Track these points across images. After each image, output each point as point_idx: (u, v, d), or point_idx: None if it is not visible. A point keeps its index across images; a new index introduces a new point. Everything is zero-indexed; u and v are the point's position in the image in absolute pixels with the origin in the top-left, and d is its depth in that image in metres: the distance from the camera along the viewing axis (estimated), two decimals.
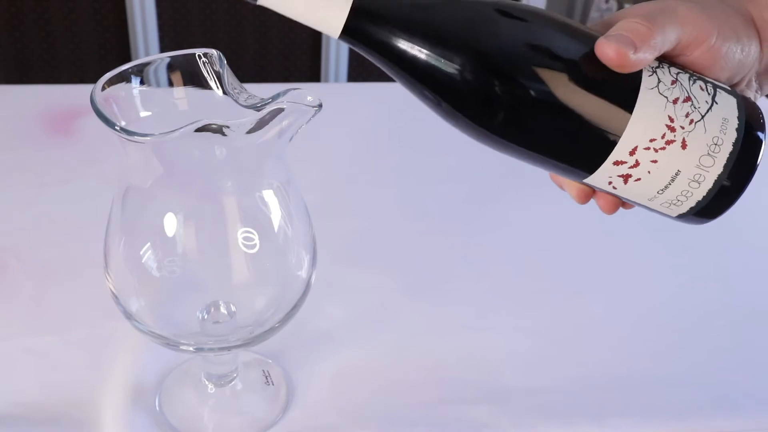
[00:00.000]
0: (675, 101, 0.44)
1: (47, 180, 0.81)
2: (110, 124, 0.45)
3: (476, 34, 0.43)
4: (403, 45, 0.43)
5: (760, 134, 0.45)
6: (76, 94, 0.89)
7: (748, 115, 0.45)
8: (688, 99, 0.44)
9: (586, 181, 0.46)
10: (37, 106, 0.90)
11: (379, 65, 0.44)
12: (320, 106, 0.47)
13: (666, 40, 0.44)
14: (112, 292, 0.53)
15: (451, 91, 0.43)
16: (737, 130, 0.44)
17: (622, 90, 0.44)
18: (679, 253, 0.76)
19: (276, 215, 0.52)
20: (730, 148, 0.44)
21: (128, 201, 0.51)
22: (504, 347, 0.65)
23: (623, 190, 0.46)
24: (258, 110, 0.46)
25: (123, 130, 0.45)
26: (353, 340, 0.65)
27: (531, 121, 0.44)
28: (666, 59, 0.46)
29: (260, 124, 0.46)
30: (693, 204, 0.46)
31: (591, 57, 0.43)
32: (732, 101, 0.45)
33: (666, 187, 0.45)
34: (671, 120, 0.43)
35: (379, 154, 0.87)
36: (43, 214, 0.76)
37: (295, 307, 0.54)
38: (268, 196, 0.52)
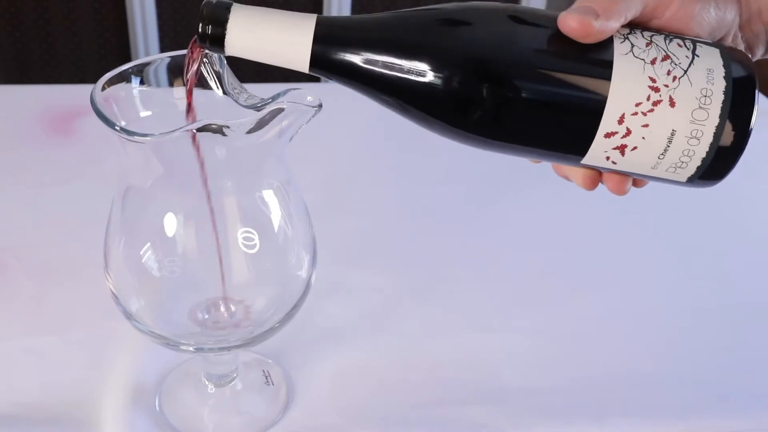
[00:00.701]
0: (653, 61, 0.43)
1: (47, 180, 0.81)
2: (110, 124, 0.45)
3: (440, 41, 0.43)
4: (370, 66, 0.43)
5: (750, 79, 0.44)
6: (76, 94, 0.90)
7: (735, 62, 0.44)
8: (666, 57, 0.43)
9: (584, 162, 0.46)
10: (37, 106, 0.90)
11: (354, 89, 0.45)
12: (320, 106, 0.47)
13: (630, 6, 0.44)
14: (112, 292, 0.53)
15: (423, 98, 0.43)
16: (725, 78, 0.43)
17: (596, 61, 0.43)
18: (678, 253, 0.76)
19: (276, 215, 0.52)
20: (721, 97, 0.43)
21: (128, 201, 0.51)
22: (503, 347, 0.65)
23: (624, 163, 0.45)
24: (258, 110, 0.46)
25: (123, 130, 0.45)
26: (353, 340, 0.65)
27: (512, 115, 0.43)
28: (639, 26, 0.45)
29: (260, 124, 0.46)
30: (698, 163, 0.45)
31: (559, 36, 0.43)
32: (714, 51, 0.45)
33: (665, 150, 0.44)
34: (653, 80, 0.43)
35: (378, 154, 0.87)
36: (43, 214, 0.76)
37: (295, 307, 0.54)
38: (268, 196, 0.52)
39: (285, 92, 0.46)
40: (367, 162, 0.85)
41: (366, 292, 0.70)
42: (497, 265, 0.74)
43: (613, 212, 0.81)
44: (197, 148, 0.47)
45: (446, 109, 0.44)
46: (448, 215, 0.79)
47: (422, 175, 0.84)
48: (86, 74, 1.58)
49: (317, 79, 1.57)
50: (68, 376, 0.61)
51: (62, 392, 0.60)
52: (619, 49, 0.43)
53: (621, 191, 0.48)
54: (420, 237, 0.76)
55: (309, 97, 0.46)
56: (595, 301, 0.70)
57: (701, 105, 0.43)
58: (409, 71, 0.43)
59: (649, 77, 0.43)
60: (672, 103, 0.43)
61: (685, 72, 0.43)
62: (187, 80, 0.47)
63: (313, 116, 0.47)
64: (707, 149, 0.44)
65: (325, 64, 0.43)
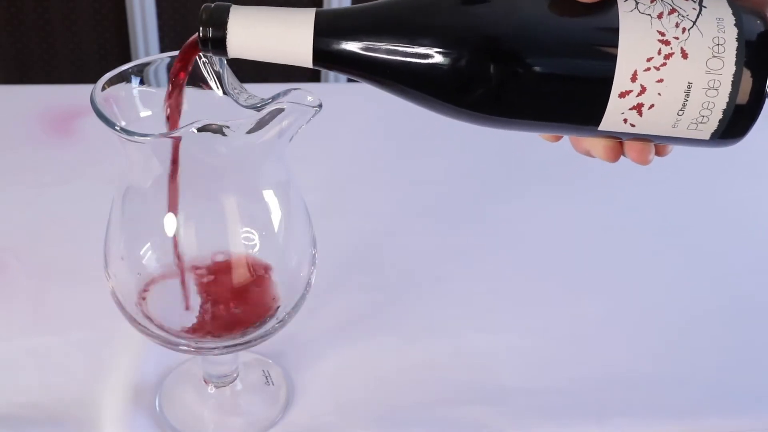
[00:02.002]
0: (660, 16, 0.43)
1: (47, 180, 0.81)
2: (110, 124, 0.45)
3: (442, 20, 0.43)
4: (374, 53, 0.43)
5: (763, 25, 0.44)
6: (76, 94, 0.89)
7: (744, 10, 0.44)
8: (673, 11, 0.43)
9: (602, 128, 0.45)
10: (37, 106, 0.90)
11: (361, 79, 0.44)
12: (320, 106, 0.47)
13: None
14: (112, 292, 0.53)
15: (431, 79, 0.43)
16: (736, 25, 0.43)
17: (601, 21, 0.43)
18: (678, 253, 0.76)
19: (276, 215, 0.52)
20: (734, 44, 0.43)
21: (128, 201, 0.51)
22: (503, 347, 0.65)
23: (642, 125, 0.44)
24: (258, 110, 0.46)
25: (123, 130, 0.45)
26: (353, 340, 0.65)
27: (525, 86, 0.43)
28: None
29: (260, 124, 0.46)
30: (720, 115, 0.44)
31: (560, 2, 0.43)
32: (721, 2, 0.44)
33: (684, 104, 0.43)
34: (662, 34, 0.43)
35: (379, 154, 0.87)
36: (43, 214, 0.76)
37: (295, 307, 0.54)
38: (268, 196, 0.52)
39: (285, 92, 0.46)
40: (368, 162, 0.85)
41: (366, 292, 0.70)
42: (498, 265, 0.74)
43: (613, 212, 0.81)
44: (175, 151, 0.47)
45: (458, 90, 0.43)
46: (449, 215, 0.79)
47: (423, 174, 0.84)
48: (86, 74, 1.58)
49: (317, 79, 1.57)
50: (68, 376, 0.61)
51: (62, 392, 0.60)
52: (623, 7, 0.43)
53: (644, 160, 0.47)
54: (420, 237, 0.76)
55: (309, 97, 0.46)
56: (595, 301, 0.70)
57: (715, 54, 0.43)
58: (414, 54, 0.43)
59: (658, 31, 0.43)
60: (684, 55, 0.43)
61: (694, 23, 0.43)
62: (170, 93, 0.47)
63: (313, 116, 0.47)
64: (727, 100, 0.43)
65: (328, 56, 0.43)
